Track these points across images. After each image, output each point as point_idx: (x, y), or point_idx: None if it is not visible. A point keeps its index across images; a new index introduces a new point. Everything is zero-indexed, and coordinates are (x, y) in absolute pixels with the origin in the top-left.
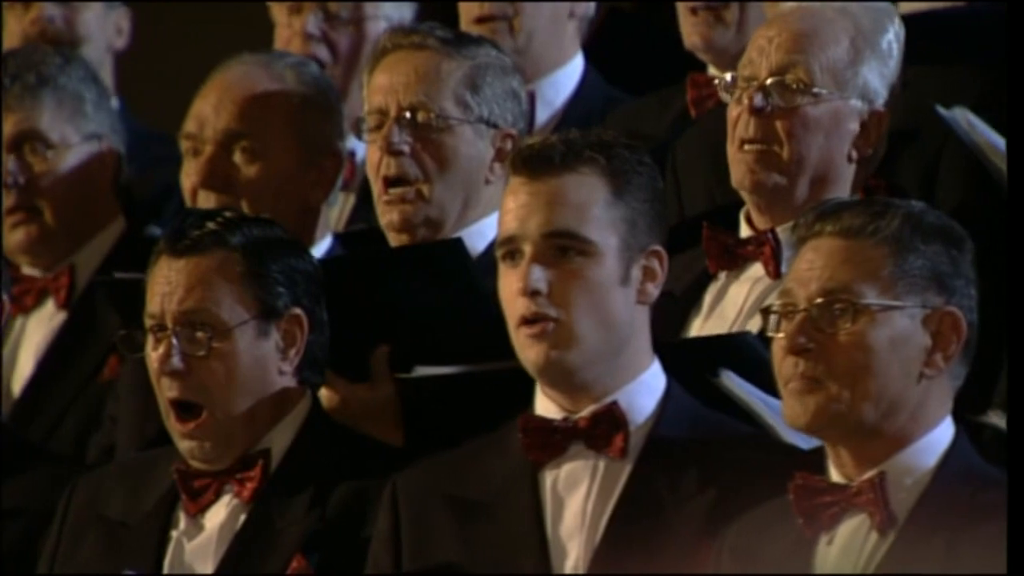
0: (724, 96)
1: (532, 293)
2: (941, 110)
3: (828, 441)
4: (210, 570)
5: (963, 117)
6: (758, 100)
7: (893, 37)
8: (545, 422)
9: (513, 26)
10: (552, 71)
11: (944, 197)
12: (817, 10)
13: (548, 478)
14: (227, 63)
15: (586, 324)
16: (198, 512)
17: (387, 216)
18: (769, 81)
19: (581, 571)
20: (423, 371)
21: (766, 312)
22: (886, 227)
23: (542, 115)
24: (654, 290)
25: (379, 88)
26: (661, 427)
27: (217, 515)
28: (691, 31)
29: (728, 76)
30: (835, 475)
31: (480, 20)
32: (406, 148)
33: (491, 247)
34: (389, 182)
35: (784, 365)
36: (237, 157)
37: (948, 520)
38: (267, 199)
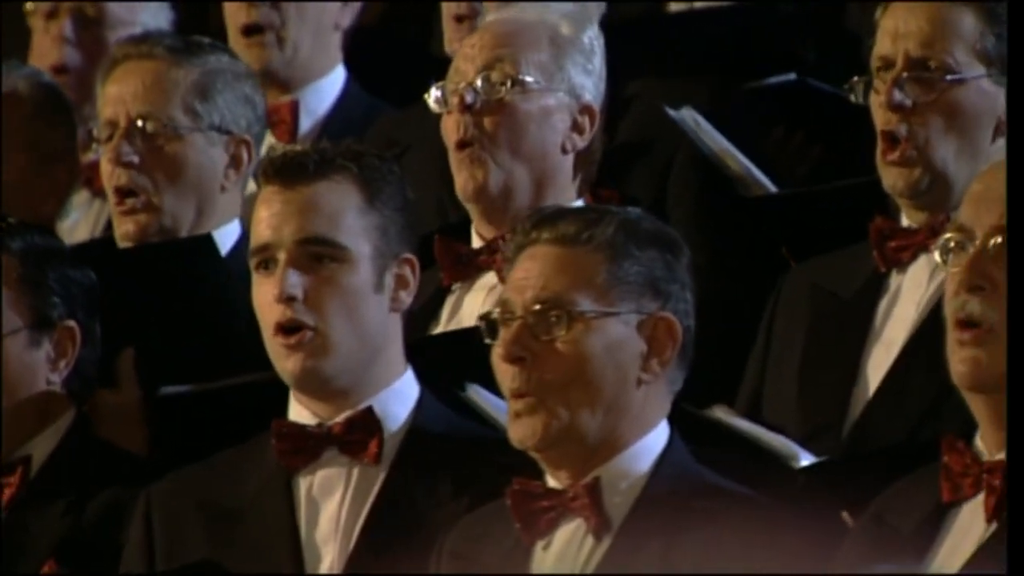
0: (435, 108)
1: (287, 299)
2: (670, 111)
3: (554, 455)
4: None
5: (690, 117)
6: (468, 97)
7: (594, 35)
8: (298, 428)
9: (281, 37)
10: (316, 80)
11: (673, 204)
12: (517, 16)
13: (303, 484)
14: None
15: (341, 331)
16: None
17: (122, 227)
18: (477, 80)
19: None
20: (171, 390)
21: (484, 319)
22: (601, 234)
23: (305, 123)
24: (407, 297)
25: (109, 99)
26: (415, 434)
27: None
28: (453, 36)
29: (437, 89)
30: (552, 480)
31: (247, 29)
32: (135, 159)
33: (230, 256)
34: (121, 193)
35: (503, 375)
36: None
37: (663, 525)
38: None
